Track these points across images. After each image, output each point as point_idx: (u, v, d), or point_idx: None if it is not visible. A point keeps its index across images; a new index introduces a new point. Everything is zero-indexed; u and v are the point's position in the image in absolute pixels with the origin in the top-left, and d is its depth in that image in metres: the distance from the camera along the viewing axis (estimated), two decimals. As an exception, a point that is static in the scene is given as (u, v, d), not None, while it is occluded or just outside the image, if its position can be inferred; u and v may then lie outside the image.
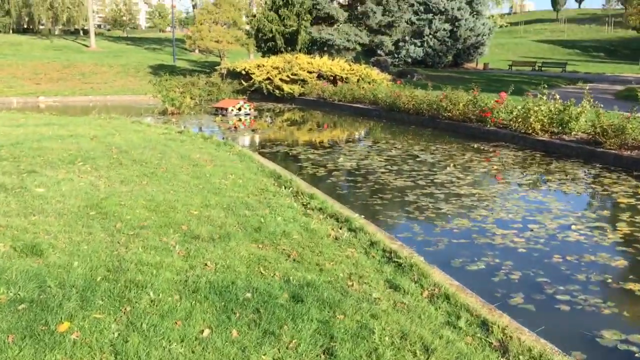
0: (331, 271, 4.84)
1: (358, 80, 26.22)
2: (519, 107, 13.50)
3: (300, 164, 11.12)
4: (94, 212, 6.21)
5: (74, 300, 3.95)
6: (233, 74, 28.91)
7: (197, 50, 49.20)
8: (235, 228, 5.94)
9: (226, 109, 20.33)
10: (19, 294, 4.00)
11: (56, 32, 74.28)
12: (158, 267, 4.69)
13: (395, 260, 5.10)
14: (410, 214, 7.56)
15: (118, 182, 7.70)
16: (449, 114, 16.17)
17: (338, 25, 29.61)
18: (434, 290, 4.49)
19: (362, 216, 6.65)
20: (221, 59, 31.00)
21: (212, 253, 5.13)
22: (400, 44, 40.29)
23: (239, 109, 20.57)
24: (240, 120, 19.70)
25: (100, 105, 26.06)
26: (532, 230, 6.81)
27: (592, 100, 12.81)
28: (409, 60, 44.97)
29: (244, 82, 27.50)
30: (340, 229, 6.08)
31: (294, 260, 5.12)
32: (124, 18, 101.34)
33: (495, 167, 10.88)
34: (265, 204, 6.99)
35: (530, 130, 13.08)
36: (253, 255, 5.15)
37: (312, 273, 4.77)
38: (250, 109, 20.87)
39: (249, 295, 4.21)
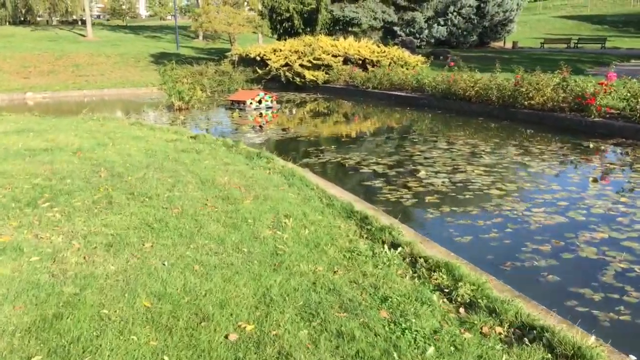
0: None
1: (390, 63, 22.82)
2: (647, 92, 10.11)
3: (369, 183, 7.83)
4: (40, 355, 2.95)
5: None
6: (245, 61, 25.54)
7: (200, 37, 45.81)
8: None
9: (244, 102, 17.02)
10: None
11: (54, 23, 70.88)
12: None
13: None
14: (632, 299, 4.24)
15: (102, 247, 4.45)
16: (529, 101, 12.79)
17: (362, 2, 26.09)
18: None
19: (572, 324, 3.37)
20: (231, 44, 27.64)
21: None
22: (430, 22, 36.70)
23: (259, 102, 17.24)
24: (261, 115, 16.40)
25: (96, 100, 22.84)
26: None
27: None
28: (432, 40, 41.40)
29: (259, 70, 24.14)
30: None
31: None
32: (123, 7, 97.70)
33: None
34: (373, 293, 3.74)
35: (665, 122, 9.73)
36: None
37: None
38: (271, 101, 17.54)
39: None
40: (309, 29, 25.67)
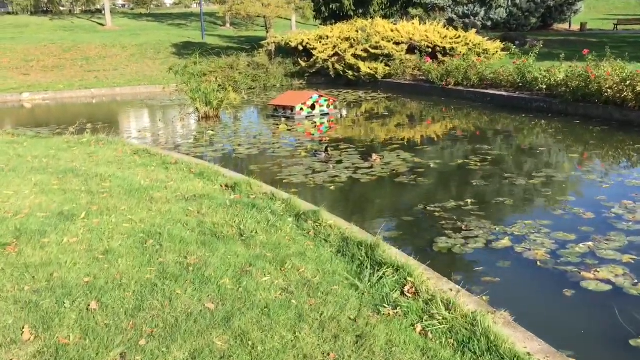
0: None
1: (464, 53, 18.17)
2: None
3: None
4: None
5: None
6: (284, 51, 21.20)
7: (228, 24, 41.59)
8: None
9: (292, 109, 12.67)
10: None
11: (76, 12, 67.30)
12: None
13: None
14: None
15: None
16: None
17: (425, -24, 21.43)
18: None
19: None
20: (267, 31, 23.28)
21: None
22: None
23: (312, 107, 12.87)
24: (315, 125, 12.10)
25: (106, 101, 18.79)
26: None
27: None
28: (489, 23, 36.53)
29: (301, 62, 19.74)
30: None
31: None
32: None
33: None
34: None
35: None
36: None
37: None
38: (328, 106, 13.16)
39: None
40: (361, 11, 21.14)
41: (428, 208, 5.90)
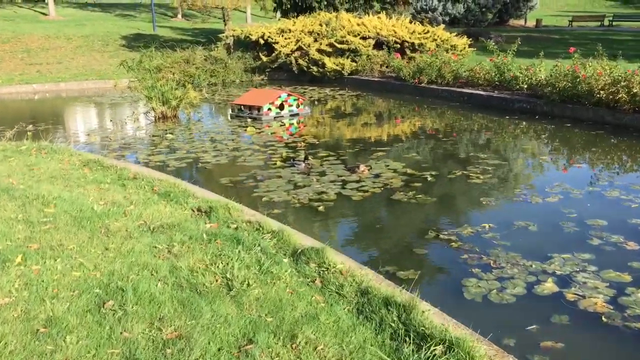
0: None
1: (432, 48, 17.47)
2: None
3: None
4: None
5: None
6: (243, 45, 20.02)
7: (180, 15, 39.82)
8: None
9: (258, 109, 11.59)
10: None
11: (17, 1, 63.58)
12: None
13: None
14: None
15: None
16: None
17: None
18: None
19: None
20: (225, 23, 22.00)
21: None
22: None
23: (281, 107, 11.84)
24: (283, 125, 11.14)
25: (49, 97, 17.18)
26: None
27: None
28: (447, 19, 36.16)
29: (262, 57, 18.60)
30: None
31: None
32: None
33: None
34: None
35: None
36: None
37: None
38: (297, 105, 12.15)
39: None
40: (324, 3, 20.16)
41: (441, 236, 5.01)
